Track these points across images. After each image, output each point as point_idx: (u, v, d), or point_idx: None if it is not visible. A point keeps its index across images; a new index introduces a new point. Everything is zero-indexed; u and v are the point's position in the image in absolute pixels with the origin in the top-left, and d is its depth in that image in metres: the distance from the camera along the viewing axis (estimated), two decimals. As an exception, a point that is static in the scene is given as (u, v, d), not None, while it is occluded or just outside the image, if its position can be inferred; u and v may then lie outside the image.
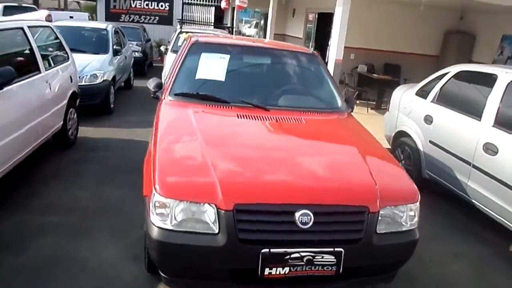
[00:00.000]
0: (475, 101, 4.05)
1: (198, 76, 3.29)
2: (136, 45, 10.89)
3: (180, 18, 13.84)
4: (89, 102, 6.29)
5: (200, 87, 3.27)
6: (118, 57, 7.72)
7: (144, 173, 2.62)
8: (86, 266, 2.86)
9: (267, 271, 2.12)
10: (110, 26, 8.04)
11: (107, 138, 5.80)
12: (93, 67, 6.64)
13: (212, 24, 14.57)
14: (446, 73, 4.61)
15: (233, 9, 20.60)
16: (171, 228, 2.12)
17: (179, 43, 8.10)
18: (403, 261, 2.48)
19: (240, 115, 2.98)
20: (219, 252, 2.09)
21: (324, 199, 2.22)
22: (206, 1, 16.08)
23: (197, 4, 15.62)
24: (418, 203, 2.45)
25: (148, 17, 15.06)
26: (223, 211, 2.09)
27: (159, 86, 3.31)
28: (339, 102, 3.48)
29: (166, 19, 15.13)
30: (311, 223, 2.14)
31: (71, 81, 5.19)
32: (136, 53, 10.51)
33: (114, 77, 7.14)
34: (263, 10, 20.38)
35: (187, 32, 8.30)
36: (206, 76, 3.31)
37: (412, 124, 4.84)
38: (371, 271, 2.41)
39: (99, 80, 6.54)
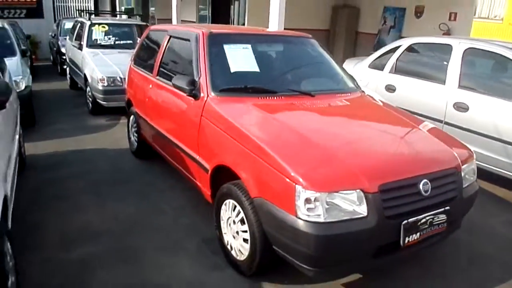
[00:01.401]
0: (436, 68, 4.75)
1: (233, 69, 3.18)
2: (19, 43, 9.37)
3: (85, 9, 12.35)
4: (16, 115, 5.36)
5: (241, 80, 3.18)
6: (26, 58, 6.65)
7: (246, 174, 2.50)
8: None
9: (407, 240, 2.33)
10: (5, 23, 6.81)
11: (57, 152, 5.08)
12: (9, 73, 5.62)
13: (93, 12, 13.19)
14: (398, 47, 5.23)
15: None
16: (324, 220, 2.14)
17: (95, 37, 7.35)
18: (470, 208, 2.92)
19: (297, 103, 3.02)
20: (370, 232, 2.20)
21: (434, 167, 2.51)
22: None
23: (70, -8, 13.96)
24: (474, 159, 2.90)
25: (13, 11, 12.79)
26: (370, 194, 2.20)
27: (193, 83, 3.10)
28: (354, 82, 3.75)
29: (35, 12, 13.07)
30: (429, 190, 2.40)
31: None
32: (23, 52, 9.07)
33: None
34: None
35: (99, 24, 7.57)
36: (240, 68, 3.21)
37: (372, 94, 5.38)
38: (455, 220, 2.79)
39: (21, 87, 5.59)
